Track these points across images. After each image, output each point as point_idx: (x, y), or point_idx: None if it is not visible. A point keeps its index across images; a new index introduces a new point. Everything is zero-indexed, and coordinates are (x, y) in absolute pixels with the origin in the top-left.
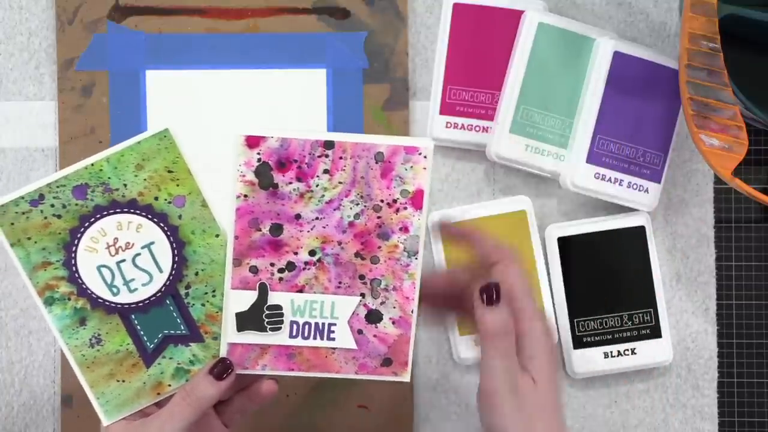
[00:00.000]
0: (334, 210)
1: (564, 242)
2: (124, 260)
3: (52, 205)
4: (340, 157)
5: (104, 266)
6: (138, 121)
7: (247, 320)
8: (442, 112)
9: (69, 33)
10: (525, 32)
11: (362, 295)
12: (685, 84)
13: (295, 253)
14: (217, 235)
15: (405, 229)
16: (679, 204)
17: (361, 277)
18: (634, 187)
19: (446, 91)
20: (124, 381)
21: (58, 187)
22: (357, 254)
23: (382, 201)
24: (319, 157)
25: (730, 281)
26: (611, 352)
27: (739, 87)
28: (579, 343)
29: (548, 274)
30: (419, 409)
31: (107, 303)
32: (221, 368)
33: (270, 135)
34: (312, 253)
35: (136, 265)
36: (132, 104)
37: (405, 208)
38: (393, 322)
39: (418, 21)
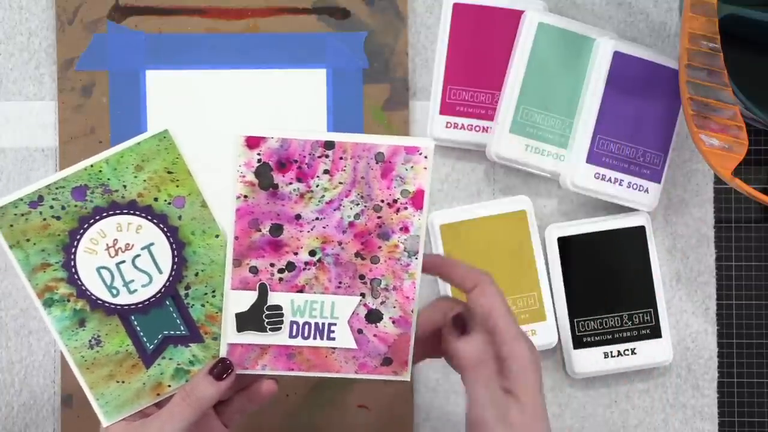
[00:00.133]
0: (335, 210)
1: (564, 242)
2: (123, 261)
3: (51, 207)
4: (341, 158)
5: (104, 267)
6: (138, 121)
7: (247, 320)
8: (442, 112)
9: (69, 33)
10: (525, 32)
11: (362, 294)
12: (685, 84)
13: (295, 254)
14: (217, 236)
15: (405, 229)
16: (679, 204)
17: (361, 277)
18: (634, 187)
19: (446, 91)
20: (123, 382)
21: (57, 188)
22: (357, 254)
23: (382, 201)
24: (319, 157)
25: (730, 281)
26: (611, 352)
27: (739, 87)
28: (579, 343)
29: (548, 274)
30: (419, 409)
31: (107, 304)
32: (221, 368)
33: (270, 135)
34: (312, 253)
35: (135, 267)
36: (132, 104)
37: (405, 208)
38: (393, 322)
39: (418, 21)
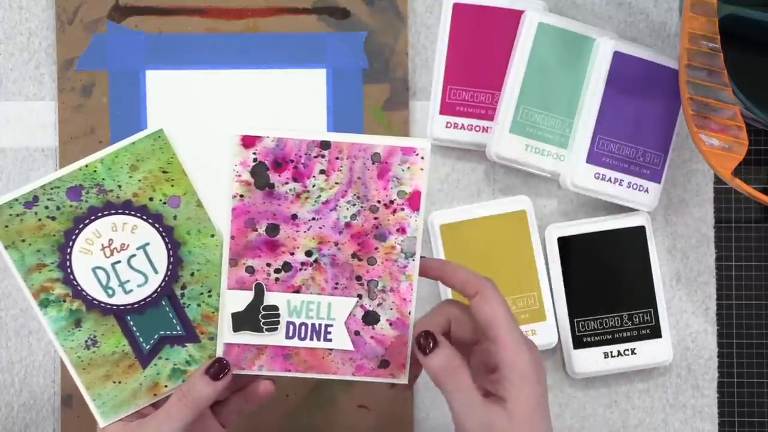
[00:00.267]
0: (331, 210)
1: (564, 242)
2: (119, 261)
3: (47, 207)
4: (337, 158)
5: (99, 268)
6: (138, 121)
7: (243, 320)
8: (442, 112)
9: (69, 33)
10: (525, 32)
11: (359, 296)
12: (685, 84)
13: (292, 254)
14: (213, 236)
15: (402, 231)
16: (679, 204)
17: (358, 278)
18: (634, 187)
19: (446, 91)
20: (120, 382)
21: (52, 188)
22: (354, 255)
23: (378, 202)
24: (315, 157)
25: (730, 281)
26: (611, 352)
27: (739, 87)
28: (579, 343)
29: (548, 274)
30: (419, 409)
31: (102, 304)
32: (218, 368)
33: (266, 135)
34: (308, 253)
35: (131, 267)
36: (132, 104)
37: (402, 209)
38: (390, 324)
39: (418, 21)
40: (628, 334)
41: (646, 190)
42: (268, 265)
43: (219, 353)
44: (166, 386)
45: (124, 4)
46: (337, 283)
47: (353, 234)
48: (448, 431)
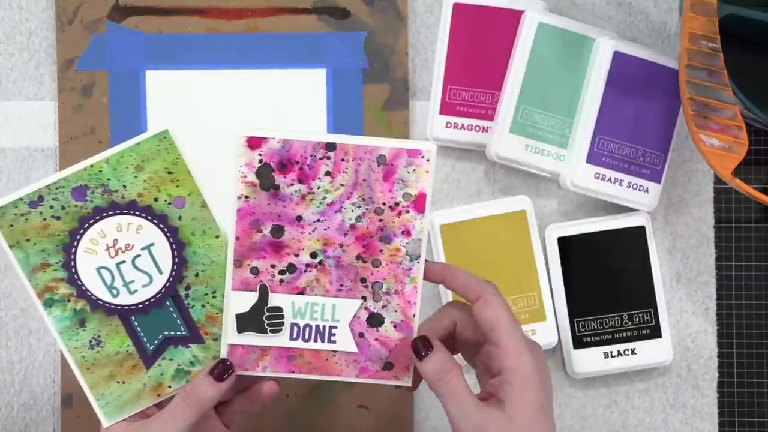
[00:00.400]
0: (336, 212)
1: (564, 242)
2: (123, 262)
3: (51, 207)
4: (342, 159)
5: (104, 268)
6: (138, 121)
7: (247, 322)
8: (442, 112)
9: (69, 33)
10: (525, 32)
11: (363, 298)
12: (685, 84)
13: (296, 255)
14: (217, 236)
15: (407, 233)
16: (679, 204)
17: (363, 280)
18: (634, 187)
19: (446, 91)
20: (124, 382)
21: (57, 188)
22: (358, 257)
23: (384, 204)
24: (320, 158)
25: (730, 281)
26: (611, 352)
27: (739, 87)
28: (579, 343)
29: (548, 274)
30: (419, 409)
31: (107, 304)
32: (222, 369)
33: (271, 136)
34: (313, 255)
35: (135, 267)
36: (132, 104)
37: (407, 212)
38: (395, 326)
39: (418, 21)
40: (628, 334)
41: (646, 190)
42: (273, 266)
43: (223, 354)
44: (169, 387)
45: (124, 4)
46: (341, 285)
47: (358, 236)
48: (448, 431)
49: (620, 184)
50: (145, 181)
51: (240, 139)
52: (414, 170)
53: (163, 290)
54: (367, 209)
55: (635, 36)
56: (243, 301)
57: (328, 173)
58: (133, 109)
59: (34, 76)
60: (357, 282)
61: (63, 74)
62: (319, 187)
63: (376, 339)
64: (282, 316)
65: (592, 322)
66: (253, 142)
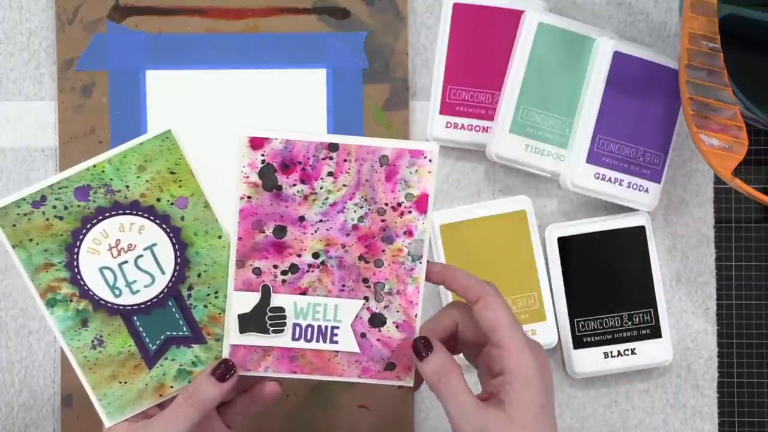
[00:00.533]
0: (338, 213)
1: (564, 242)
2: (126, 262)
3: (54, 207)
4: (345, 160)
5: (106, 268)
6: (138, 121)
7: (249, 322)
8: (442, 112)
9: (69, 33)
10: (525, 32)
11: (366, 298)
12: (685, 84)
13: (299, 256)
14: (220, 237)
15: (409, 233)
16: (679, 204)
17: (365, 280)
18: (634, 187)
19: (446, 91)
20: (126, 382)
21: (60, 188)
22: (361, 257)
23: (386, 204)
24: (323, 159)
25: (730, 281)
26: (611, 352)
27: (739, 87)
28: (579, 343)
29: (548, 274)
30: (419, 409)
31: (109, 305)
32: (224, 370)
33: (274, 137)
34: (315, 255)
35: (138, 267)
36: (132, 104)
37: (409, 212)
38: (397, 327)
39: (418, 21)
40: (628, 334)
41: (646, 190)
42: (275, 266)
43: (225, 354)
44: (171, 387)
45: (124, 4)
46: (343, 285)
47: (360, 236)
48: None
49: (620, 184)
50: (147, 181)
51: (243, 139)
52: (416, 171)
53: (165, 290)
54: (369, 209)
55: (635, 36)
56: (245, 302)
57: (330, 173)
58: (133, 109)
59: (34, 76)
60: (359, 282)
61: (63, 74)
62: (321, 188)
63: (378, 339)
64: (284, 317)
65: (592, 322)
66: (256, 143)
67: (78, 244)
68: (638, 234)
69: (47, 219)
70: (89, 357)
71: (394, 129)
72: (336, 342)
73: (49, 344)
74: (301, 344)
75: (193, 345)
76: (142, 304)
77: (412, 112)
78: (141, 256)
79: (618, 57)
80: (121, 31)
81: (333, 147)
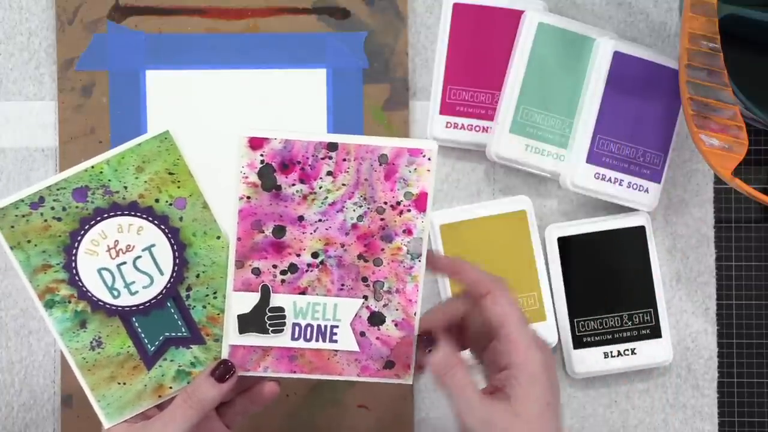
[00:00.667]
0: (337, 212)
1: (564, 242)
2: (124, 263)
3: (53, 208)
4: (344, 159)
5: (105, 269)
6: (138, 121)
7: (249, 322)
8: (442, 112)
9: (69, 33)
10: (525, 32)
11: (365, 297)
12: (685, 84)
13: (298, 255)
14: (218, 237)
15: (408, 232)
16: (679, 204)
17: (364, 279)
18: (634, 187)
19: (446, 91)
20: (125, 383)
21: (58, 189)
22: (360, 256)
23: (385, 203)
24: (322, 158)
25: (730, 281)
26: (611, 352)
27: (739, 87)
28: (579, 343)
29: (548, 274)
30: (419, 409)
31: (108, 306)
32: (223, 370)
33: (273, 136)
34: (315, 255)
35: (136, 268)
36: (132, 104)
37: (408, 211)
38: (396, 325)
39: (418, 21)
40: (628, 334)
41: (646, 190)
42: (275, 266)
43: (224, 355)
44: (170, 388)
45: (124, 4)
46: (343, 285)
47: (360, 235)
48: (448, 431)
49: (620, 184)
50: (146, 182)
51: (242, 139)
52: (415, 169)
53: (164, 291)
54: (368, 208)
55: (635, 36)
56: (244, 302)
57: (329, 173)
58: (133, 109)
59: (34, 76)
60: (358, 281)
61: (63, 74)
62: (320, 187)
63: (377, 338)
64: (284, 317)
65: (592, 322)
66: (255, 143)
67: (76, 245)
68: (638, 234)
69: (45, 220)
70: (88, 358)
71: (394, 129)
72: (335, 341)
73: (49, 344)
74: (301, 344)
75: (191, 346)
76: (140, 305)
77: (412, 112)
78: (139, 256)
79: (618, 57)
80: (121, 31)
81: (332, 146)
